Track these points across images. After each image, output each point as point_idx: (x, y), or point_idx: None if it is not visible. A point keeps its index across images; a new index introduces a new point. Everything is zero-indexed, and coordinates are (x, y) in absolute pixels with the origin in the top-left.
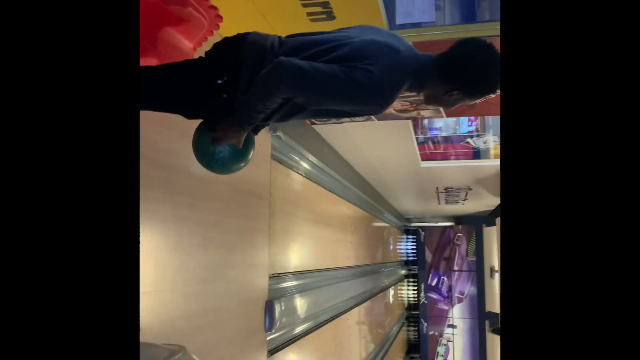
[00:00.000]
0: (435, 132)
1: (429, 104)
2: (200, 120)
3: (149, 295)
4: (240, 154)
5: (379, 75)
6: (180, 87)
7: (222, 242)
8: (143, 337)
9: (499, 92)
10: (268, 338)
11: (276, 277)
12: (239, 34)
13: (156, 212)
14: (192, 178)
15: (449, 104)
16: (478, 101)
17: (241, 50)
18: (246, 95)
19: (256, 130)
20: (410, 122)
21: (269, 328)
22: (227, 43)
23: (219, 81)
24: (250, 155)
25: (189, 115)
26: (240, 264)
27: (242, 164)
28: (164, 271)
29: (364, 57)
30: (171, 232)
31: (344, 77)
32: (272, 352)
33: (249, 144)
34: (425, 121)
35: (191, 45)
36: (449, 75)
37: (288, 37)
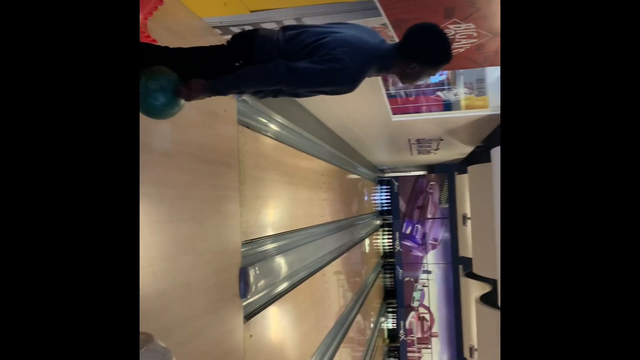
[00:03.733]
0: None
1: (404, 82)
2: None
3: None
4: (177, 104)
5: (348, 60)
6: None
7: (190, 215)
8: None
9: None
10: (244, 303)
11: (250, 243)
12: (251, 30)
13: None
14: (153, 153)
15: (415, 77)
16: (437, 70)
17: (254, 42)
18: (238, 75)
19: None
20: (379, 77)
21: (244, 294)
22: (243, 36)
23: (236, 64)
24: (182, 102)
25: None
26: (211, 234)
27: (176, 110)
28: None
29: (338, 46)
30: None
31: (323, 68)
32: (248, 317)
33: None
34: None
35: (141, 17)
36: (408, 53)
37: (288, 27)
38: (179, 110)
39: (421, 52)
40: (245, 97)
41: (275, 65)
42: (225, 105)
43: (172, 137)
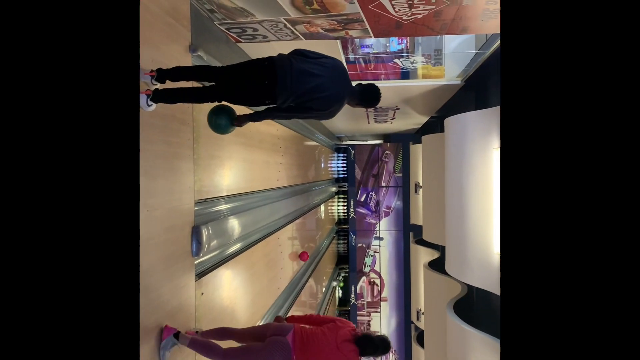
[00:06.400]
0: (366, 50)
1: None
2: (212, 106)
3: None
4: (232, 127)
5: (334, 113)
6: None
7: (142, 170)
8: None
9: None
10: (196, 262)
11: (203, 202)
12: (269, 58)
13: None
14: None
15: (359, 106)
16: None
17: (275, 66)
18: (267, 115)
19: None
20: (338, 42)
21: (196, 253)
22: (264, 60)
23: (266, 82)
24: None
25: (245, 104)
26: (163, 191)
27: (232, 129)
28: None
29: (326, 109)
30: None
31: (315, 116)
32: (200, 275)
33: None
34: (357, 39)
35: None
36: (359, 100)
37: (296, 55)
38: (233, 130)
39: (366, 100)
40: (200, 53)
41: (289, 115)
42: (180, 60)
43: None
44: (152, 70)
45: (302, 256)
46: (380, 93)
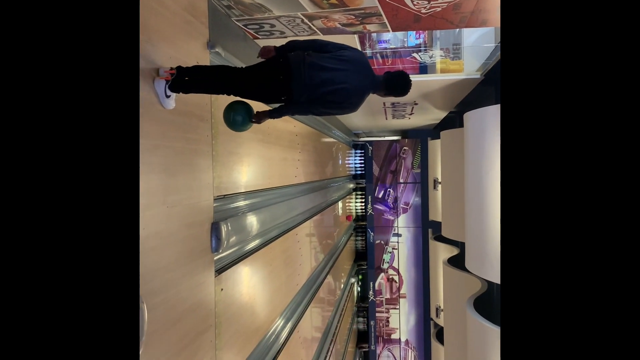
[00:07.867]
0: (384, 45)
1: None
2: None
3: None
4: (249, 124)
5: (354, 107)
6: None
7: (162, 166)
8: None
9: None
10: (215, 258)
11: (222, 198)
12: (283, 54)
13: None
14: None
15: (387, 96)
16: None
17: (289, 61)
18: (286, 110)
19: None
20: (356, 36)
21: (216, 249)
22: (279, 56)
23: (281, 77)
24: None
25: (260, 100)
26: (182, 187)
27: (249, 127)
28: None
29: (343, 101)
30: None
31: (335, 110)
32: (220, 271)
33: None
34: (374, 34)
35: None
36: (387, 89)
37: (312, 50)
38: (249, 128)
39: (395, 89)
40: (218, 49)
41: (307, 109)
42: (198, 57)
43: (144, 86)
44: (171, 68)
45: (348, 218)
46: (410, 80)
